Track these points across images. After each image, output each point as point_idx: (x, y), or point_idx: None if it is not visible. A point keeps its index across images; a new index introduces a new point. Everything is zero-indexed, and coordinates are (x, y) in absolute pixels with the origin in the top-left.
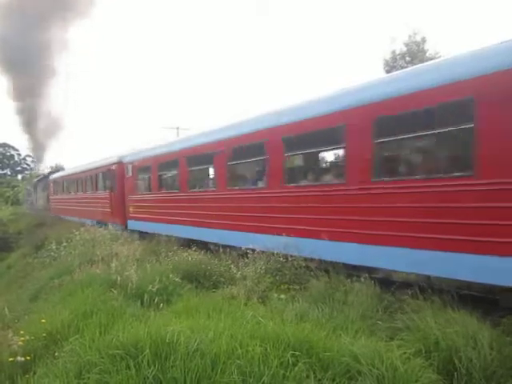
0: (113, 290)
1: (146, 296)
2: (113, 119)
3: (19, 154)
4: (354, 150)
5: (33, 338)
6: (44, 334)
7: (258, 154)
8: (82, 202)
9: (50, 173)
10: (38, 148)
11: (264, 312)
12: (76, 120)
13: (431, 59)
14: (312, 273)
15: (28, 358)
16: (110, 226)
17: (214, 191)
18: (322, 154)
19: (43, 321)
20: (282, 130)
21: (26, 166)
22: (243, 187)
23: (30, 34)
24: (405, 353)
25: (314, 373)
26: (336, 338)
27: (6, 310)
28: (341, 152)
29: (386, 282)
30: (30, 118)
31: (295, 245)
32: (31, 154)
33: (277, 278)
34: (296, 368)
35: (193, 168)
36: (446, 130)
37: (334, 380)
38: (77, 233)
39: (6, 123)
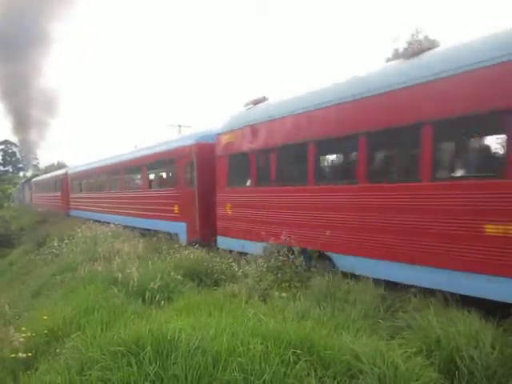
0: (114, 287)
1: (147, 293)
2: (116, 117)
3: (21, 151)
4: (144, 176)
5: (34, 334)
6: (46, 331)
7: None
8: (49, 198)
9: (33, 176)
10: (28, 145)
11: (265, 310)
12: (78, 116)
13: None
14: (313, 271)
15: (30, 354)
16: (60, 211)
17: (97, 193)
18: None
19: (45, 317)
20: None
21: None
22: (115, 191)
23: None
24: (406, 351)
25: (315, 371)
26: (337, 336)
27: (7, 306)
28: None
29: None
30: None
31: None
32: (19, 152)
33: (278, 276)
34: (297, 366)
35: (91, 180)
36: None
37: (334, 378)
38: (78, 230)
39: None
